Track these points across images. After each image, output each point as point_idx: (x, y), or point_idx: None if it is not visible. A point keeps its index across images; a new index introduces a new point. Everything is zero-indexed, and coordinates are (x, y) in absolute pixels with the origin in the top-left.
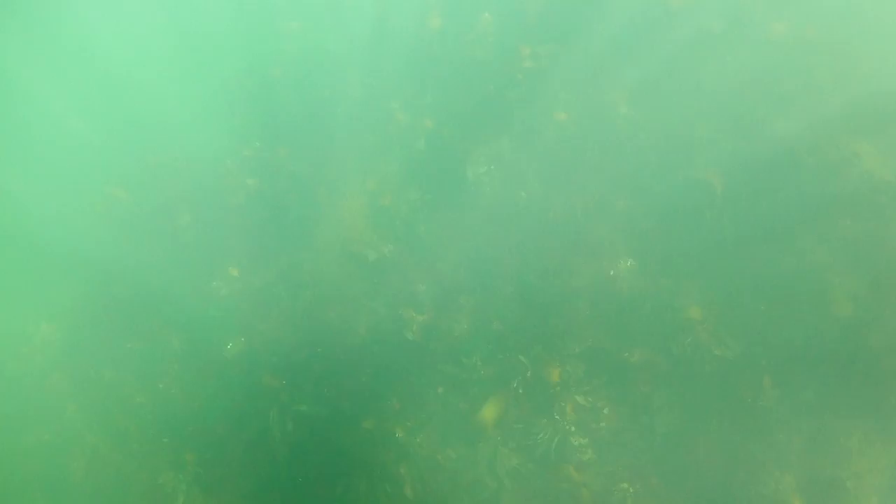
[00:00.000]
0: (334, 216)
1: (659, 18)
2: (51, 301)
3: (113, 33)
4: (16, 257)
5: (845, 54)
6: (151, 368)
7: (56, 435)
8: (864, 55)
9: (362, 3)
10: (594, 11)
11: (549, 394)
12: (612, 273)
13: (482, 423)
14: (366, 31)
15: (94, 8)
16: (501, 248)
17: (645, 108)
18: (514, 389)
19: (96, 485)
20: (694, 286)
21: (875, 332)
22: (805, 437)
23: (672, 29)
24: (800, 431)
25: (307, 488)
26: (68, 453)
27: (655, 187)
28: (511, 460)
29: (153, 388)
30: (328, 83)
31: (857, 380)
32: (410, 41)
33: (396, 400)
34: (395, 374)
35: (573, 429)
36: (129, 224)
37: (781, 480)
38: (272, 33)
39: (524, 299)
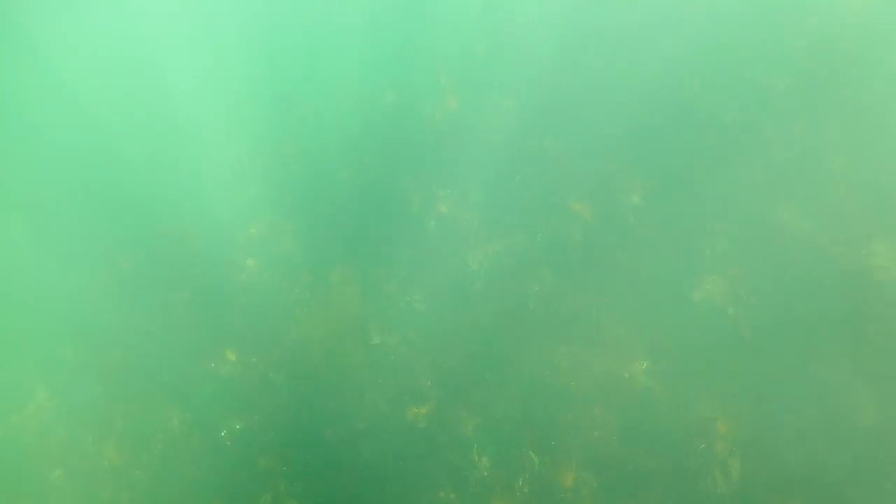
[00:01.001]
0: (338, 302)
1: (675, 111)
2: (49, 367)
3: (129, 103)
4: (17, 322)
5: (863, 153)
6: (146, 442)
7: None
8: (883, 154)
9: (379, 83)
10: (611, 104)
11: (556, 498)
12: (626, 375)
13: None
14: (383, 112)
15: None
16: (512, 341)
17: (659, 203)
18: (519, 488)
19: None
20: (710, 394)
21: None
22: None
23: (687, 121)
24: None
25: None
26: None
27: (672, 286)
28: None
29: (146, 462)
30: (344, 163)
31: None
32: (425, 123)
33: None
34: (396, 473)
35: None
36: (132, 295)
37: None
38: (290, 112)
39: (534, 397)
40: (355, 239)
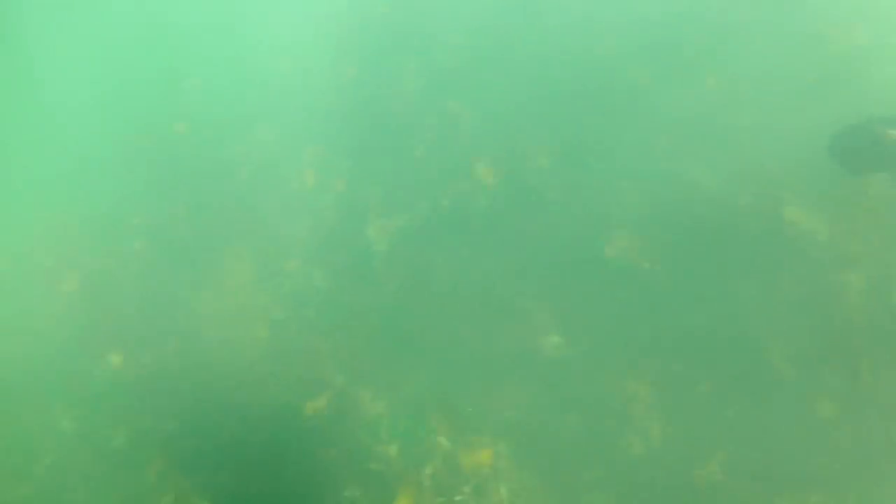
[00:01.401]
0: (232, 284)
1: (582, 71)
2: None
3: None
4: None
5: (773, 109)
6: (35, 453)
7: None
8: (793, 109)
9: (274, 53)
10: (517, 65)
11: (470, 479)
12: (537, 347)
13: None
14: (277, 84)
15: None
16: (417, 319)
17: (567, 164)
18: (428, 476)
19: None
20: (625, 355)
21: (820, 398)
22: None
23: (595, 81)
24: None
25: None
26: None
27: (583, 245)
28: None
29: (36, 474)
30: (236, 141)
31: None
32: (323, 93)
33: None
34: (299, 469)
35: None
36: (14, 287)
37: None
38: (180, 87)
39: (442, 377)
40: (248, 217)
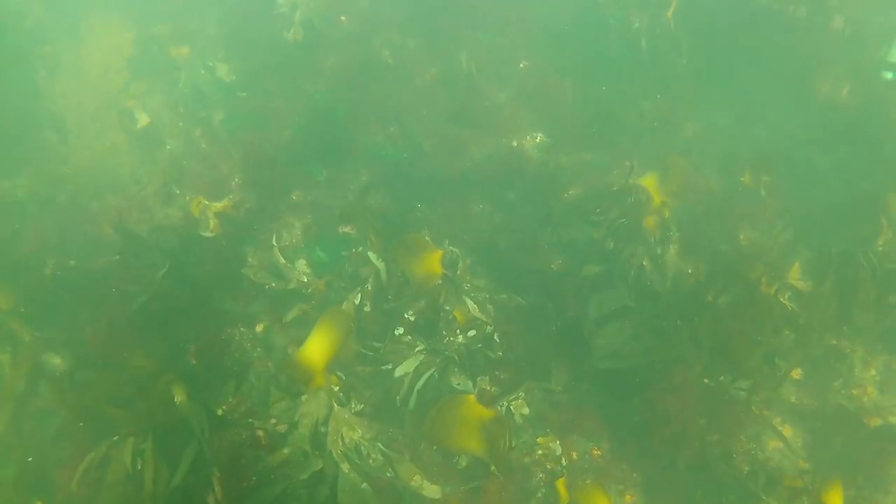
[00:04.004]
0: (95, 74)
1: None
2: None
3: None
4: None
5: None
6: None
7: None
8: None
9: None
10: None
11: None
12: (515, 145)
13: (308, 369)
14: None
15: None
16: (367, 109)
17: None
18: (358, 308)
19: None
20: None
21: None
22: None
23: None
24: None
25: None
26: None
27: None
28: (354, 431)
29: None
30: None
31: None
32: None
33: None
34: (199, 292)
35: (459, 346)
36: None
37: None
38: None
39: (401, 177)
40: None
